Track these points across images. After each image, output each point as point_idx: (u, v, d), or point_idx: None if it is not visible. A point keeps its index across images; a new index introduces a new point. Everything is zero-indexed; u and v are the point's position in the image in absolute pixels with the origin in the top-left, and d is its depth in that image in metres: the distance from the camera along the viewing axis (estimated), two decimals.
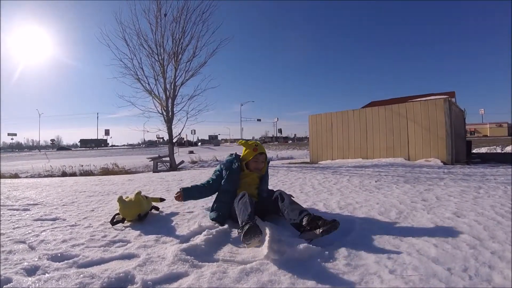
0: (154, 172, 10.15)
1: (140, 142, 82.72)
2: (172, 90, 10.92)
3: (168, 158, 11.27)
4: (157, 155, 11.89)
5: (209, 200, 3.16)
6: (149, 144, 67.40)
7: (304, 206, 2.35)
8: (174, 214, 2.71)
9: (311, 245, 1.63)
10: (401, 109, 8.15)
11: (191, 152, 22.22)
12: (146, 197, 2.66)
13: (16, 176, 13.80)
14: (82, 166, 14.08)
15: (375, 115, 8.57)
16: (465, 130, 12.90)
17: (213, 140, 61.22)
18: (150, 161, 11.58)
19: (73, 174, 13.13)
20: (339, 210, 2.62)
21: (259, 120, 73.74)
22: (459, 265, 1.43)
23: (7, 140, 71.29)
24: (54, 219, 2.62)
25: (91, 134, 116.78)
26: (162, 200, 3.04)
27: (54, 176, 13.50)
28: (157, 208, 2.80)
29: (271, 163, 12.46)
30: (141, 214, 2.41)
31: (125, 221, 2.40)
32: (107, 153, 36.27)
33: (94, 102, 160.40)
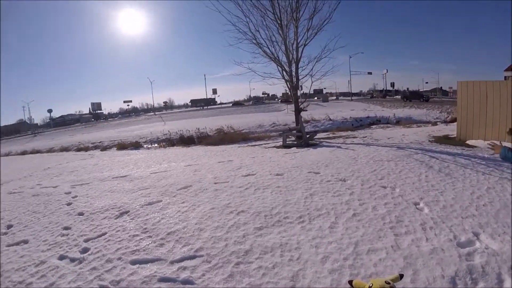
0: (284, 146, 8.73)
1: (246, 98, 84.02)
2: (295, 52, 9.22)
3: (293, 131, 10.06)
4: (286, 128, 10.83)
5: None
6: (256, 101, 67.93)
7: None
8: None
9: None
10: None
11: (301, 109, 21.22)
12: (389, 283, 1.92)
13: (137, 144, 14.62)
14: (198, 129, 14.20)
15: None
16: None
17: (321, 95, 54.21)
18: (280, 134, 10.65)
19: (191, 139, 13.43)
20: None
21: (369, 73, 65.80)
22: None
23: (124, 106, 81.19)
24: None
25: (200, 94, 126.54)
26: (401, 276, 2.19)
27: (172, 140, 13.90)
28: None
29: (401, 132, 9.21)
30: None
31: None
32: (218, 112, 37.43)
33: (201, 64, 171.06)
